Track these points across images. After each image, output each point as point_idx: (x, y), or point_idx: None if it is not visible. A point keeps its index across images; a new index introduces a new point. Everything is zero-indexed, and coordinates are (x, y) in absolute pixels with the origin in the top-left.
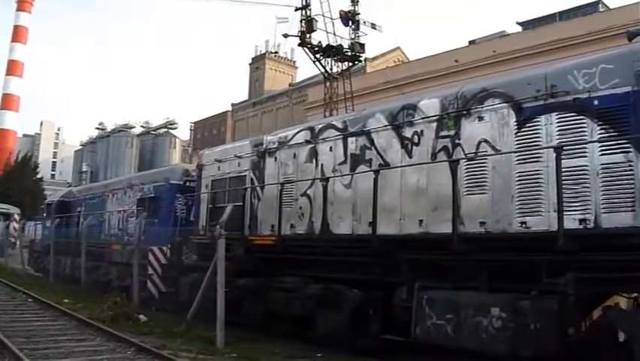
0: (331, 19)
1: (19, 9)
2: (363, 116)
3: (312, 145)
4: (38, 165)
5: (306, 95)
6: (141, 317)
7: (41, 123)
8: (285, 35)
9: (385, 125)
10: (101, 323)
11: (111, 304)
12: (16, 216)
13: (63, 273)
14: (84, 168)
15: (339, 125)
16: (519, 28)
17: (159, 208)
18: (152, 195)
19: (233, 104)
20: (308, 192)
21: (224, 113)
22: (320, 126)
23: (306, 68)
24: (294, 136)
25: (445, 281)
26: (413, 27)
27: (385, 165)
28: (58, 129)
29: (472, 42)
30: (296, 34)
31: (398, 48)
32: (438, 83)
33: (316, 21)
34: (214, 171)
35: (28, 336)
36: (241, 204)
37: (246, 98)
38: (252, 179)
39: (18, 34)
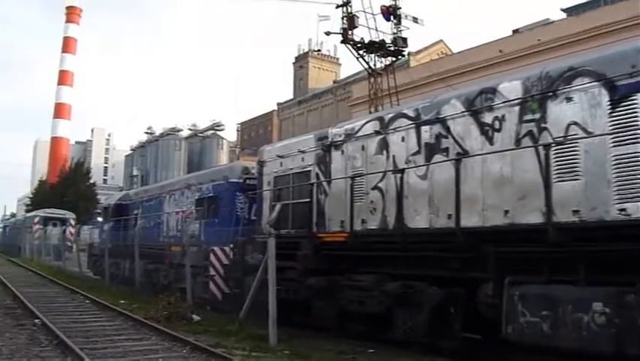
0: (373, 14)
1: (68, 21)
2: (437, 103)
3: (382, 136)
4: (91, 170)
5: (350, 91)
6: (195, 316)
7: (92, 130)
8: (328, 33)
9: (462, 112)
10: (156, 322)
11: (165, 304)
12: (72, 221)
13: (122, 275)
14: (134, 172)
15: (411, 114)
16: (563, 15)
17: (219, 208)
18: (211, 194)
19: (278, 104)
20: (379, 185)
21: (270, 113)
22: (390, 116)
23: (350, 64)
24: (361, 127)
25: (536, 275)
26: (456, 18)
27: (464, 153)
28: (109, 135)
29: (515, 31)
30: (338, 32)
31: (441, 41)
32: (483, 75)
33: (358, 17)
34: (276, 168)
35: (88, 336)
36: (307, 200)
37: (291, 96)
38: (317, 174)
39: (67, 45)
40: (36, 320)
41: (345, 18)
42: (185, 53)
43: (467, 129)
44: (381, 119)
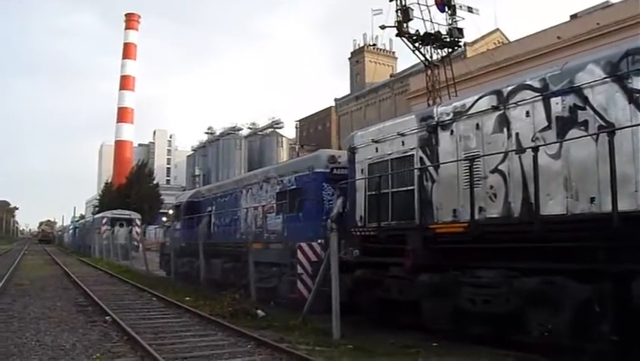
0: (427, 6)
1: (128, 27)
2: (569, 71)
3: (501, 111)
4: (154, 171)
5: (407, 84)
6: (259, 312)
7: (154, 132)
8: (382, 27)
9: (603, 78)
10: (222, 318)
11: (230, 300)
12: (138, 221)
13: (197, 275)
14: (196, 172)
15: (537, 85)
16: None
17: (303, 201)
18: (294, 186)
19: (336, 99)
20: (500, 167)
21: (328, 109)
22: (510, 88)
23: (406, 57)
24: (474, 103)
25: None
26: (511, 6)
27: (607, 126)
28: (171, 136)
29: (573, 16)
30: (393, 25)
31: (497, 30)
32: (541, 62)
33: (412, 10)
34: (370, 154)
35: (156, 332)
36: (410, 188)
37: (348, 92)
38: (421, 158)
39: (128, 50)
40: (107, 317)
41: (399, 11)
42: (243, 53)
43: (611, 98)
44: (498, 92)
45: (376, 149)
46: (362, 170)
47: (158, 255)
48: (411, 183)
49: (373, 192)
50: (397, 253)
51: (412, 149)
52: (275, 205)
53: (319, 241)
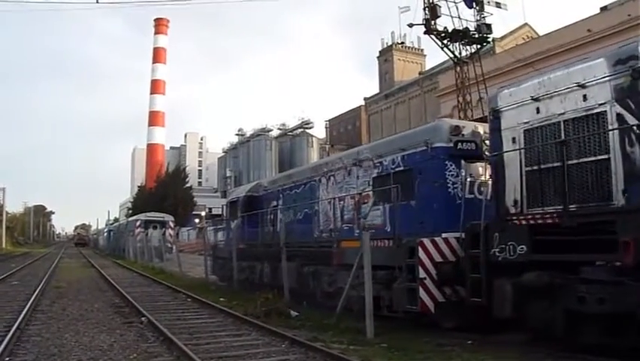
0: (455, 2)
1: (157, 32)
2: None
3: None
4: (188, 174)
5: (437, 82)
6: (292, 312)
7: (185, 135)
8: (410, 25)
9: None
10: (256, 318)
11: (263, 300)
12: (171, 223)
13: (259, 281)
14: (228, 174)
15: None
16: None
17: (416, 185)
18: (401, 168)
19: (365, 98)
20: None
21: (358, 108)
22: None
23: (435, 55)
24: None
25: None
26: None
27: None
28: (202, 139)
29: (604, 8)
30: (421, 23)
31: (526, 24)
32: (572, 56)
33: (439, 7)
34: (528, 116)
35: (191, 333)
36: (602, 157)
37: (377, 91)
38: (619, 115)
39: (158, 55)
40: (142, 318)
41: (426, 8)
42: (271, 54)
43: None
44: None
45: (537, 109)
46: (513, 138)
47: (191, 256)
48: (603, 150)
49: (535, 167)
50: (597, 247)
51: (600, 104)
52: (371, 194)
53: (443, 235)
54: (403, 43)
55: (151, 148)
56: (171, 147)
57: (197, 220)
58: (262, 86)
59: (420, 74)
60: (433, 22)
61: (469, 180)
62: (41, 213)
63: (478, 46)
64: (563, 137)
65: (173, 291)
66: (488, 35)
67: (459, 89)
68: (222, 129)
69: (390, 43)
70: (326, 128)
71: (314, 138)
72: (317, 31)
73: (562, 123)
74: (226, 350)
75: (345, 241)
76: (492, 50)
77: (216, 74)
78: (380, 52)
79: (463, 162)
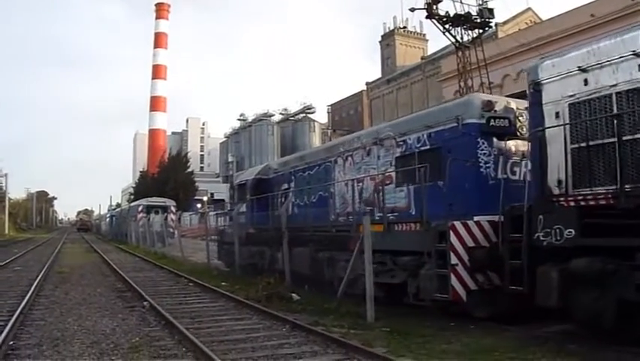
0: None
1: (158, 17)
2: None
3: None
4: (189, 159)
5: (439, 67)
6: (294, 295)
7: (187, 120)
8: (412, 9)
9: None
10: (257, 302)
11: (265, 285)
12: (173, 208)
13: (270, 267)
14: (230, 159)
15: None
16: None
17: (445, 164)
18: (427, 147)
19: (367, 83)
20: None
21: (360, 93)
22: None
23: (437, 39)
24: None
25: None
26: None
27: None
28: (203, 124)
29: None
30: (422, 7)
31: (529, 9)
32: (575, 41)
33: None
34: (574, 88)
35: (193, 317)
36: None
37: (379, 75)
38: None
39: (159, 40)
40: (144, 303)
41: None
42: (273, 38)
43: None
44: None
45: (585, 80)
46: (557, 113)
47: (193, 241)
48: None
49: (582, 144)
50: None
51: None
52: (394, 175)
53: (475, 218)
54: (405, 27)
55: (153, 133)
56: (173, 133)
57: (199, 205)
58: (264, 72)
59: (422, 58)
60: (435, 6)
61: (501, 159)
62: (44, 199)
63: (480, 30)
64: (615, 110)
65: (175, 276)
66: (490, 20)
67: (460, 74)
68: (224, 114)
69: (392, 28)
70: (328, 113)
71: (316, 123)
72: (320, 15)
73: (614, 95)
74: (227, 334)
75: (372, 225)
76: (494, 34)
77: (218, 60)
78: (382, 36)
79: (495, 139)
